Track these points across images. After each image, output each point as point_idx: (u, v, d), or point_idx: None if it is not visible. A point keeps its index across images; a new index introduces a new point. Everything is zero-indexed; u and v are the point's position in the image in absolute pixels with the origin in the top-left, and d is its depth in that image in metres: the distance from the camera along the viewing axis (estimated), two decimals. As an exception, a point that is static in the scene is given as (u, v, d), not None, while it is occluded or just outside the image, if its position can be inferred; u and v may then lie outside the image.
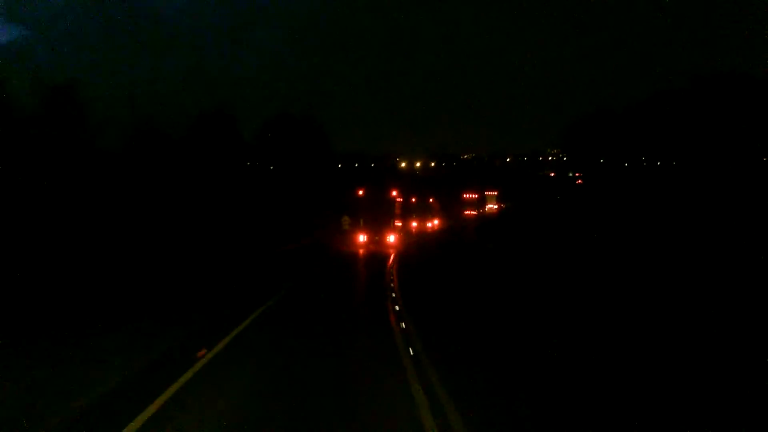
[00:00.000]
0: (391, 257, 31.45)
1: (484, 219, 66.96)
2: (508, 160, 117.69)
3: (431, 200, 59.57)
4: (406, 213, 47.65)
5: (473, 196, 78.60)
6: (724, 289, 15.11)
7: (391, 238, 39.09)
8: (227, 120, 49.80)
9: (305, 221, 45.74)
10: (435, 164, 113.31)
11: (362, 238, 38.39)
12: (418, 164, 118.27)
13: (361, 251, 36.19)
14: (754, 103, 45.51)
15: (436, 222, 58.06)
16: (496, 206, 79.69)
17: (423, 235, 49.96)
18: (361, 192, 41.35)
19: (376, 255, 33.61)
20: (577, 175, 77.75)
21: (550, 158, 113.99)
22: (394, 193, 42.52)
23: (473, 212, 75.61)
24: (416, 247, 39.99)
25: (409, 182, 64.87)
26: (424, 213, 55.56)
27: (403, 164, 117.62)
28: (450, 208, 67.77)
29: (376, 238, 38.72)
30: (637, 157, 59.86)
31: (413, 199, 52.42)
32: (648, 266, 21.12)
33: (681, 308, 13.43)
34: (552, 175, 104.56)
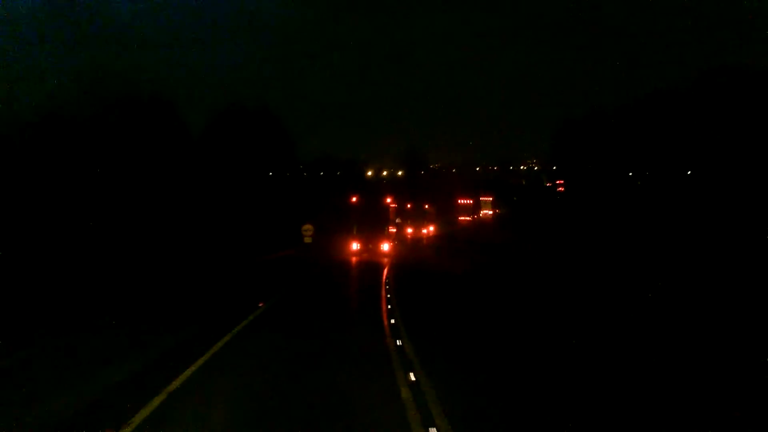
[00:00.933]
0: (386, 271, 27.48)
1: (480, 225, 65.69)
2: (477, 169, 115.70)
3: (426, 206, 57.36)
4: (401, 219, 46.14)
5: (468, 201, 77.50)
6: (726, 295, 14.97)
7: (385, 247, 37.03)
8: (163, 106, 39.68)
9: (268, 229, 38.97)
10: (404, 172, 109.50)
11: (355, 246, 36.30)
12: (385, 172, 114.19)
13: (353, 259, 33.89)
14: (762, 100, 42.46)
15: (431, 228, 55.13)
16: (491, 212, 78.93)
17: (418, 242, 47.39)
18: (354, 199, 40.36)
19: (368, 270, 29.13)
20: (558, 182, 76.79)
21: (522, 167, 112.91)
22: (389, 199, 41.94)
23: (468, 218, 74.74)
24: (413, 258, 35.91)
25: (377, 189, 62.34)
26: (419, 219, 53.10)
27: (369, 172, 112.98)
28: (445, 213, 65.63)
29: (370, 246, 36.87)
30: (630, 163, 57.09)
31: (408, 205, 50.84)
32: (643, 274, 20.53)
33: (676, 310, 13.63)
34: (523, 183, 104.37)
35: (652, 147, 51.39)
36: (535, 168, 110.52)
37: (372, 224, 37.94)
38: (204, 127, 47.54)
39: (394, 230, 41.55)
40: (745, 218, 30.84)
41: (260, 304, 15.65)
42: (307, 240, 30.93)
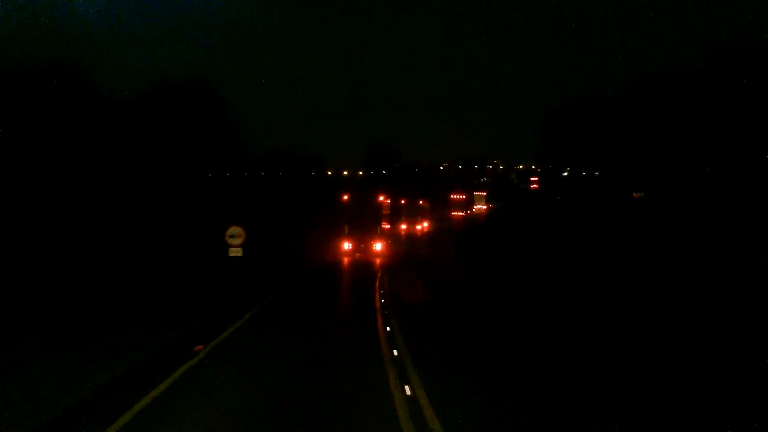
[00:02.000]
0: (378, 278, 24.44)
1: (473, 221, 63.03)
2: (441, 168, 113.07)
3: (421, 202, 55.23)
4: (394, 216, 44.63)
5: (461, 196, 76.15)
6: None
7: (378, 246, 35.46)
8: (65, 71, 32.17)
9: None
10: (363, 172, 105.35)
11: (347, 246, 35.26)
12: (345, 173, 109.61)
13: (345, 260, 33.10)
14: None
15: (425, 224, 52.13)
16: (484, 207, 77.60)
17: (413, 239, 45.04)
18: (345, 197, 39.78)
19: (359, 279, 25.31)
20: (532, 179, 76.36)
21: (488, 167, 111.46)
22: (381, 197, 41.23)
23: (460, 213, 73.16)
24: (410, 259, 32.94)
25: (362, 186, 59.74)
26: (413, 215, 51.26)
27: (329, 172, 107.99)
28: (438, 209, 63.58)
29: (362, 246, 35.39)
30: (620, 155, 54.11)
31: (402, 201, 49.23)
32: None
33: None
34: (488, 181, 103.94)
35: (649, 137, 48.61)
36: (501, 167, 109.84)
37: (363, 223, 36.13)
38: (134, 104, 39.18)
39: (388, 227, 39.66)
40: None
41: None
42: (235, 253, 18.92)
